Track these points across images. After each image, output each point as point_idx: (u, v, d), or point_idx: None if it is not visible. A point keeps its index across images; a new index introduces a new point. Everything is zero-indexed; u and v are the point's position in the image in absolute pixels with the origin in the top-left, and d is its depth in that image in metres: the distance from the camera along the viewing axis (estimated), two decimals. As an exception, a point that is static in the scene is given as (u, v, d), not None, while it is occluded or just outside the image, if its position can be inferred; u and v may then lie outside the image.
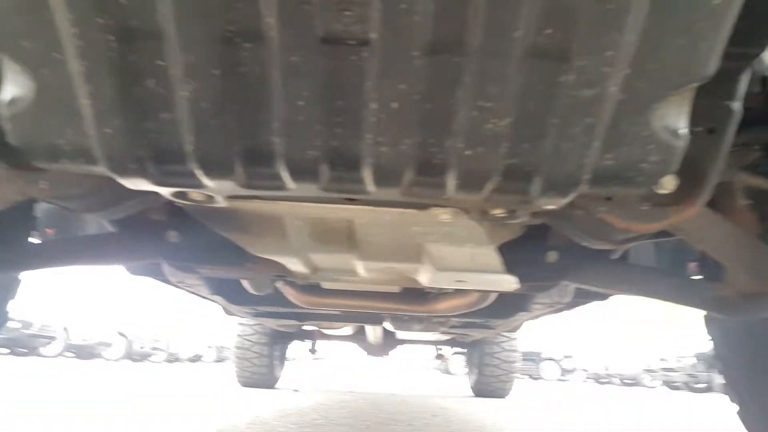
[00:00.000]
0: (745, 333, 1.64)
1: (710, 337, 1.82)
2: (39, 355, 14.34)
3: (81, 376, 7.68)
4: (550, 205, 0.90)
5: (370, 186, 0.82)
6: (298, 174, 0.80)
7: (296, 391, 6.14)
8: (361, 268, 1.46)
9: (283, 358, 6.60)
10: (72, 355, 15.79)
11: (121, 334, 17.81)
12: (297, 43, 0.68)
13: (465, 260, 1.28)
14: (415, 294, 2.42)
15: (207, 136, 0.76)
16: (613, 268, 1.55)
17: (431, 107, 0.73)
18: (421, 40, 0.66)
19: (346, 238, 1.26)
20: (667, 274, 1.54)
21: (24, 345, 13.91)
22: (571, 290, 2.24)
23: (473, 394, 6.59)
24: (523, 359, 19.71)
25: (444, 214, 1.05)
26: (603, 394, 11.56)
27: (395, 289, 2.34)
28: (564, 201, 0.85)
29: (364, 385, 8.24)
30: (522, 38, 0.66)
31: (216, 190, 0.89)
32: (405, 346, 6.62)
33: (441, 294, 2.34)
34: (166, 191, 0.92)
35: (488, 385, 6.20)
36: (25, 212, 1.70)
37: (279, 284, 2.34)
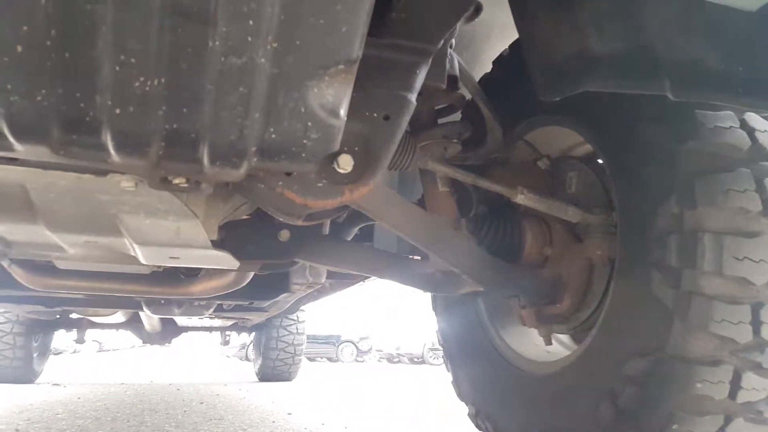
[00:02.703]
0: (460, 309, 1.82)
1: (434, 312, 2.00)
2: None
3: None
4: (227, 177, 0.88)
5: (12, 141, 0.73)
6: None
7: (57, 385, 5.50)
8: (58, 241, 1.31)
9: (45, 350, 5.90)
10: None
11: None
12: None
13: (167, 234, 1.21)
14: (167, 276, 2.30)
15: None
16: (340, 249, 1.61)
17: (69, 56, 0.67)
18: None
19: (23, 206, 1.11)
20: (388, 255, 1.64)
21: None
22: (323, 271, 2.30)
23: (258, 379, 6.55)
24: (323, 342, 20.18)
25: (125, 182, 0.99)
26: (388, 372, 12.33)
27: (145, 270, 2.19)
28: (237, 173, 0.84)
29: (145, 376, 7.71)
30: None
31: None
32: (190, 333, 6.36)
33: (196, 276, 2.26)
34: None
35: (273, 369, 6.21)
36: None
37: (4, 263, 2.05)
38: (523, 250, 1.45)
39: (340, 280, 2.78)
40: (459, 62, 1.26)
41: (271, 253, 1.56)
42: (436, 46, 0.98)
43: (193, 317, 3.45)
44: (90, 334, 5.98)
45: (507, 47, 1.52)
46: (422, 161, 1.28)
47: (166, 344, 6.44)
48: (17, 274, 2.12)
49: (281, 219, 1.08)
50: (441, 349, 1.99)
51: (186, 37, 0.68)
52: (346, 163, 0.94)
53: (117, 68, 0.68)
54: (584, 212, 1.35)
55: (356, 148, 0.94)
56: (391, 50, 0.93)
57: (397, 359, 21.53)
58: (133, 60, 0.68)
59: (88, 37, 0.66)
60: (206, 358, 18.74)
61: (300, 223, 1.11)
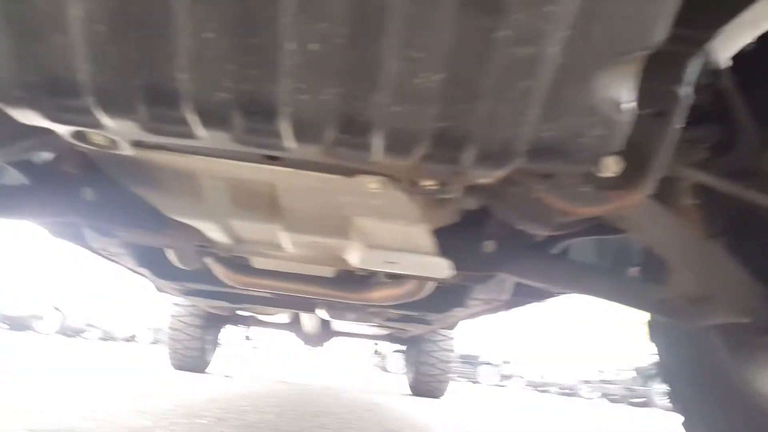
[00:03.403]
0: (689, 340, 1.60)
1: (654, 344, 1.78)
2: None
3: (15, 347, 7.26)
4: (484, 179, 0.83)
5: (289, 141, 0.74)
6: (207, 120, 0.72)
7: (228, 377, 5.98)
8: (287, 241, 1.35)
9: (215, 343, 6.44)
10: (6, 326, 15.13)
11: (56, 308, 17.09)
12: None
13: (396, 238, 1.19)
14: (350, 280, 2.35)
15: (104, 65, 0.67)
16: (553, 263, 1.49)
17: (355, 53, 0.65)
18: None
19: (269, 205, 1.15)
20: (610, 272, 1.49)
21: (-47, 313, 13.14)
22: (509, 287, 2.20)
23: (411, 393, 6.56)
24: (462, 362, 19.72)
25: (372, 183, 0.97)
26: (539, 401, 11.75)
27: (329, 273, 2.25)
28: (499, 174, 0.79)
29: (298, 376, 8.13)
30: None
31: (118, 132, 0.79)
32: (342, 338, 6.58)
33: (376, 282, 2.27)
34: (63, 130, 0.82)
35: (425, 384, 6.18)
36: None
37: (208, 261, 2.23)
38: None
39: (520, 298, 2.64)
40: (716, 55, 1.10)
41: (473, 264, 1.49)
42: (713, 35, 0.86)
43: (363, 323, 3.50)
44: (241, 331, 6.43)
45: (754, 39, 1.31)
46: (676, 168, 1.13)
47: (320, 346, 6.69)
48: (218, 271, 2.29)
49: (526, 228, 1.00)
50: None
51: (474, 28, 0.63)
52: (613, 165, 0.83)
53: (401, 64, 0.65)
54: None
55: (625, 149, 0.84)
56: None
57: (544, 388, 20.47)
58: (418, 55, 0.65)
59: (377, 32, 0.63)
60: (348, 364, 19.37)
61: (545, 233, 1.02)
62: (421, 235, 1.16)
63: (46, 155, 2.01)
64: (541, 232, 1.02)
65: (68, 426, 2.03)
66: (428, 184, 0.90)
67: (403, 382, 7.27)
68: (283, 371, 9.38)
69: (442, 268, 1.35)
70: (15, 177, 2.03)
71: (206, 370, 6.15)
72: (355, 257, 1.37)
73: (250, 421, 2.71)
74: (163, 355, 5.93)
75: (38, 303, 16.51)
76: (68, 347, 9.61)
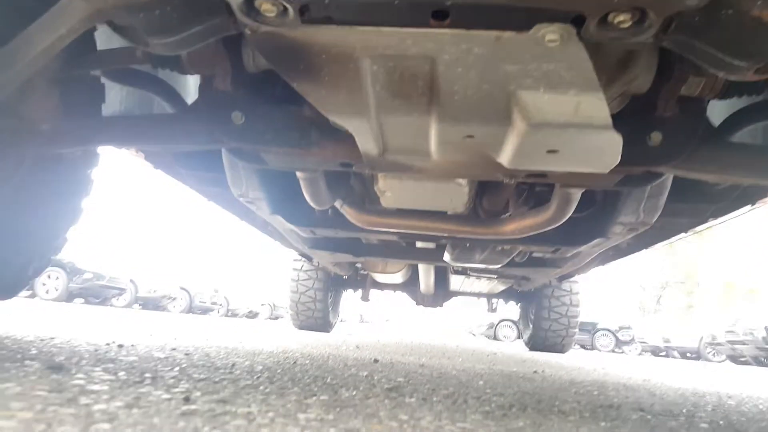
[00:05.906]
0: None
1: None
2: (110, 305, 14.91)
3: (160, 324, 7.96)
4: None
5: None
6: None
7: (350, 335, 6.17)
8: (436, 141, 1.30)
9: (336, 306, 6.69)
10: (139, 306, 16.40)
11: (184, 289, 18.31)
12: None
13: (567, 111, 1.07)
14: (480, 216, 2.31)
15: None
16: (731, 148, 1.35)
17: None
18: None
19: (427, 89, 1.10)
20: None
21: (96, 295, 14.45)
22: (660, 206, 2.05)
23: (528, 349, 6.47)
24: (579, 329, 19.22)
25: (551, 34, 0.89)
26: (662, 364, 11.15)
27: (459, 209, 2.20)
28: None
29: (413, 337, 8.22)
30: None
31: None
32: (457, 297, 6.56)
33: (509, 215, 2.21)
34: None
35: (545, 340, 6.07)
36: (94, 87, 1.67)
37: (338, 204, 2.26)
38: None
39: (667, 221, 2.44)
40: None
41: (637, 158, 1.36)
42: None
43: (489, 265, 3.41)
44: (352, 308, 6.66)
45: None
46: None
47: (438, 307, 6.73)
48: (348, 212, 2.32)
49: (728, 71, 0.88)
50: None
51: None
52: None
53: None
54: None
55: None
56: None
57: (664, 352, 19.54)
58: None
59: None
60: (453, 332, 19.40)
61: (750, 77, 0.90)
62: (596, 102, 1.05)
63: (193, 84, 2.11)
64: (740, 73, 0.90)
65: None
66: (621, 19, 0.81)
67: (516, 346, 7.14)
68: (401, 339, 9.59)
69: (611, 148, 1.22)
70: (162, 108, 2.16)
71: (331, 331, 6.40)
72: (510, 152, 1.28)
73: (389, 348, 2.79)
74: (285, 327, 6.22)
75: (169, 284, 17.73)
76: (208, 322, 10.31)
